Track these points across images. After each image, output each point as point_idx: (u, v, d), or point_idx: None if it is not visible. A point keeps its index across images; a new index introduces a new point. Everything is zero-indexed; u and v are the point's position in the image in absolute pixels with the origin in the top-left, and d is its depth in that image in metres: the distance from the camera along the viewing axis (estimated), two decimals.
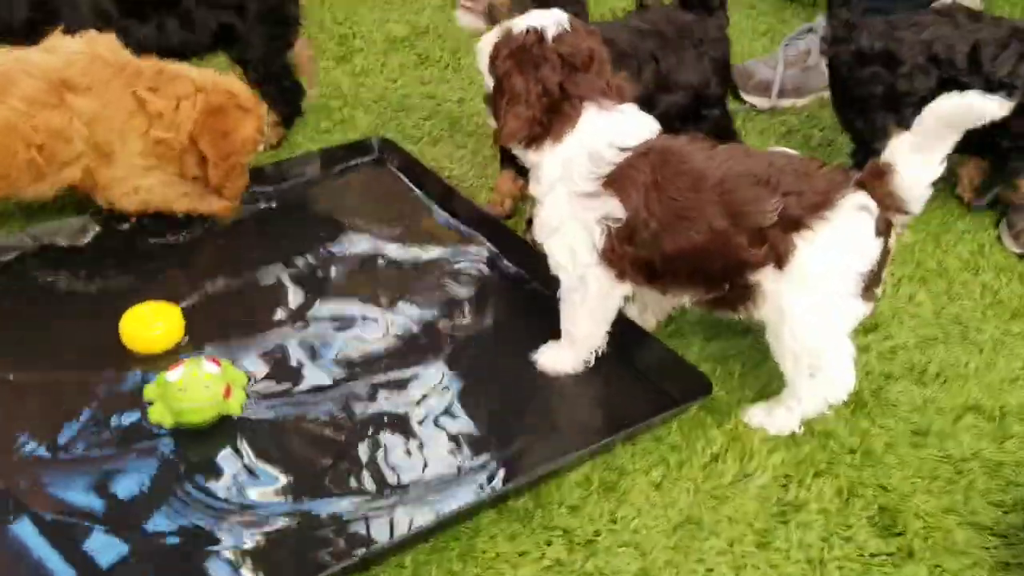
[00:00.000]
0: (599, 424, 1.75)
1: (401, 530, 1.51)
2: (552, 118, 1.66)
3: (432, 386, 1.77)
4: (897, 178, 1.56)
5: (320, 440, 1.67)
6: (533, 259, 1.99)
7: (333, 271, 2.04)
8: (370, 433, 1.68)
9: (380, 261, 2.07)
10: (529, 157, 1.72)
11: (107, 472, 1.58)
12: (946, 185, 2.25)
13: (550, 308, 1.79)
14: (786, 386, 1.71)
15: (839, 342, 1.65)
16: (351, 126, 2.52)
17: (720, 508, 1.59)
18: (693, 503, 1.59)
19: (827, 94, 2.71)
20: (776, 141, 2.55)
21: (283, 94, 2.37)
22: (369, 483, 1.59)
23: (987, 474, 1.68)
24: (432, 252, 2.10)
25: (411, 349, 1.85)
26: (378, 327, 1.89)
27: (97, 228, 2.08)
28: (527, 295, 2.00)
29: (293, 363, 1.80)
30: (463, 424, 1.70)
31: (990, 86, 2.03)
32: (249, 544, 1.48)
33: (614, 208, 1.63)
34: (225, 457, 1.62)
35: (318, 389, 1.76)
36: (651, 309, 1.89)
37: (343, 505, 1.55)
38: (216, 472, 1.59)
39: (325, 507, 1.54)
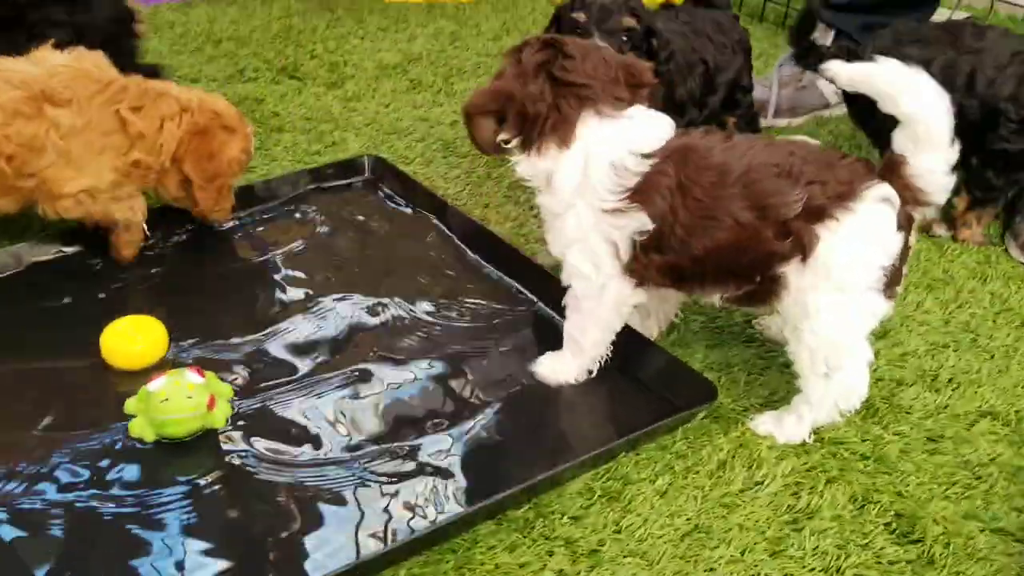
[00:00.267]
0: (600, 434, 1.68)
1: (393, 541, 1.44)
2: (548, 117, 1.60)
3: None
4: (910, 168, 1.52)
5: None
6: (525, 270, 1.96)
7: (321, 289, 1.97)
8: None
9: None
10: (537, 166, 1.63)
11: None
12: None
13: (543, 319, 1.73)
14: (799, 392, 1.65)
15: (858, 342, 1.59)
16: (342, 148, 2.48)
17: (729, 516, 1.52)
18: (701, 511, 1.52)
19: (823, 112, 2.74)
20: None
21: None
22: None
23: (1007, 479, 1.61)
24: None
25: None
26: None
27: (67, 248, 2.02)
28: (524, 308, 1.94)
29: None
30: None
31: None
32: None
33: (644, 223, 1.57)
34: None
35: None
36: (654, 317, 1.83)
37: None
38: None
39: None
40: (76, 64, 1.91)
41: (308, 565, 1.40)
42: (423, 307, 1.91)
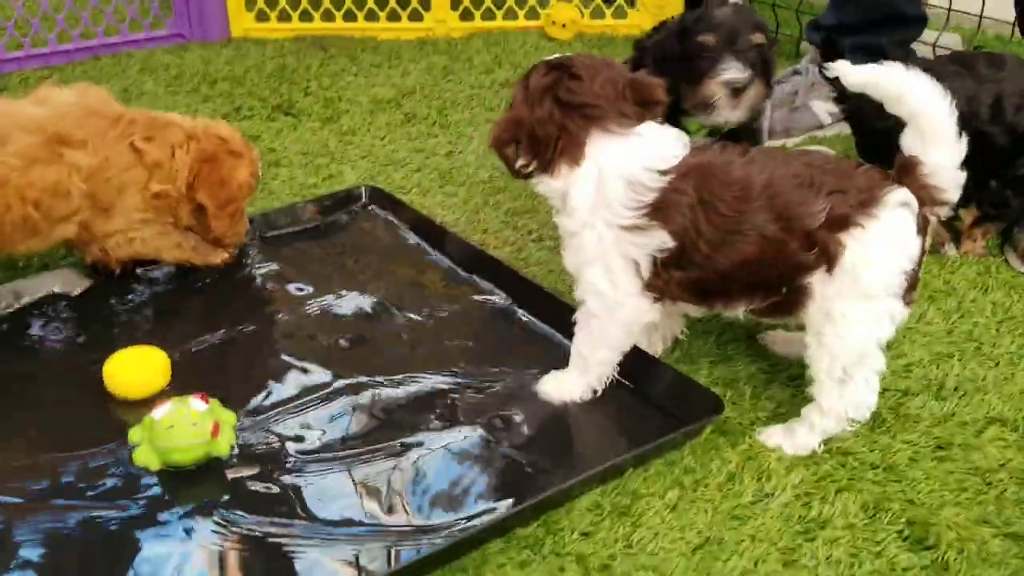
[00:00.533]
0: (608, 449, 1.66)
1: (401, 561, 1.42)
2: (558, 139, 1.62)
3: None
4: (924, 167, 1.55)
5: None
6: (525, 289, 1.98)
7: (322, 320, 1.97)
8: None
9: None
10: (553, 186, 1.65)
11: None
12: None
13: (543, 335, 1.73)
14: (806, 404, 1.65)
15: (876, 349, 1.60)
16: (339, 181, 2.49)
17: (741, 528, 1.50)
18: (712, 524, 1.51)
19: (817, 133, 2.75)
20: None
21: None
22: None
23: (1018, 484, 1.60)
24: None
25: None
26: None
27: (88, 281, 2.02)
28: (520, 324, 1.95)
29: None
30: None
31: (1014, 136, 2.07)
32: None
33: (664, 240, 1.58)
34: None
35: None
36: (659, 333, 1.82)
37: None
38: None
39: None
40: (83, 101, 1.92)
41: None
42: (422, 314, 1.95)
